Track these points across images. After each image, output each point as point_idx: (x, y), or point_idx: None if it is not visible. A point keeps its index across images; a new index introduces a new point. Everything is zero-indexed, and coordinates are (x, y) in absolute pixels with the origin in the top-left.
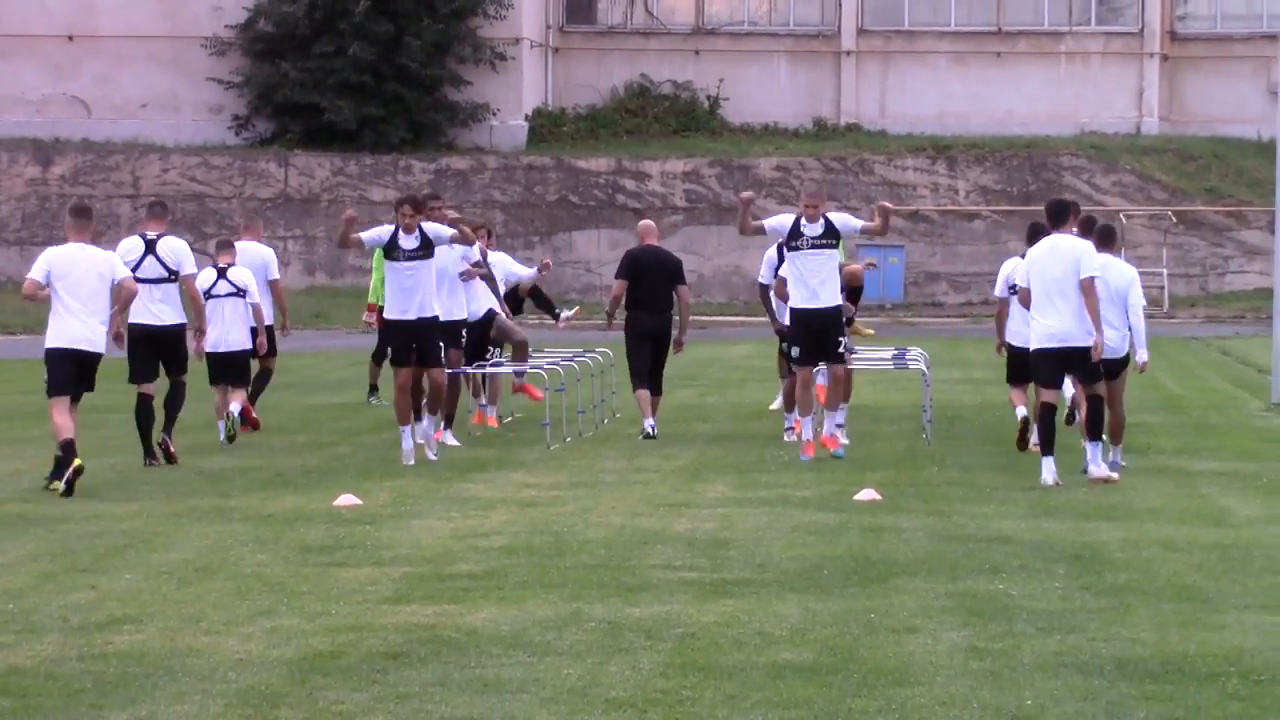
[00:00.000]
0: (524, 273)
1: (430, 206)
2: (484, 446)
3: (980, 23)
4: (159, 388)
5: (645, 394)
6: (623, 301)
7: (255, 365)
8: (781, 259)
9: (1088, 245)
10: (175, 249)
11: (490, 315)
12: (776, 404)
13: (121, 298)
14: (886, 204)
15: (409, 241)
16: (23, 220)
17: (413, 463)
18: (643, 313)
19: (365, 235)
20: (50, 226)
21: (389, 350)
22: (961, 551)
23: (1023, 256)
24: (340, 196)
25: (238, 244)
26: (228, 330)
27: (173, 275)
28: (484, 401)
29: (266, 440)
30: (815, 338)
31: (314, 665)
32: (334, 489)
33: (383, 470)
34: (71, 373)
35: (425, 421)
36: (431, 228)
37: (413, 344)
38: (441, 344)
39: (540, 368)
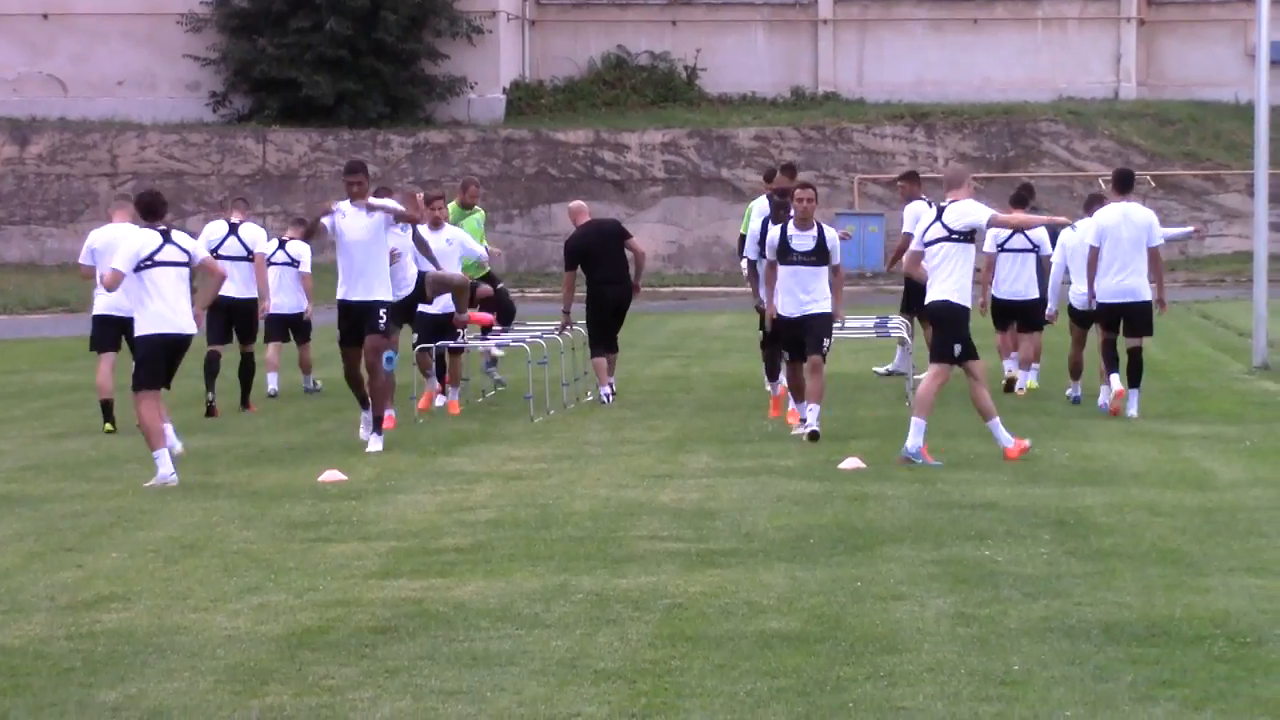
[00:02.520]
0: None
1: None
2: (468, 420)
3: None
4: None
5: (603, 362)
6: (574, 290)
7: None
8: (764, 234)
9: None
10: (255, 234)
11: (419, 281)
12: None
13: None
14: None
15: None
16: (0, 199)
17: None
18: (608, 286)
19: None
20: (28, 206)
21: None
22: (947, 518)
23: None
24: (319, 172)
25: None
26: (280, 293)
27: (250, 255)
28: (440, 387)
29: (250, 418)
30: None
31: (302, 641)
32: (319, 465)
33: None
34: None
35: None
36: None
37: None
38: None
39: (522, 341)
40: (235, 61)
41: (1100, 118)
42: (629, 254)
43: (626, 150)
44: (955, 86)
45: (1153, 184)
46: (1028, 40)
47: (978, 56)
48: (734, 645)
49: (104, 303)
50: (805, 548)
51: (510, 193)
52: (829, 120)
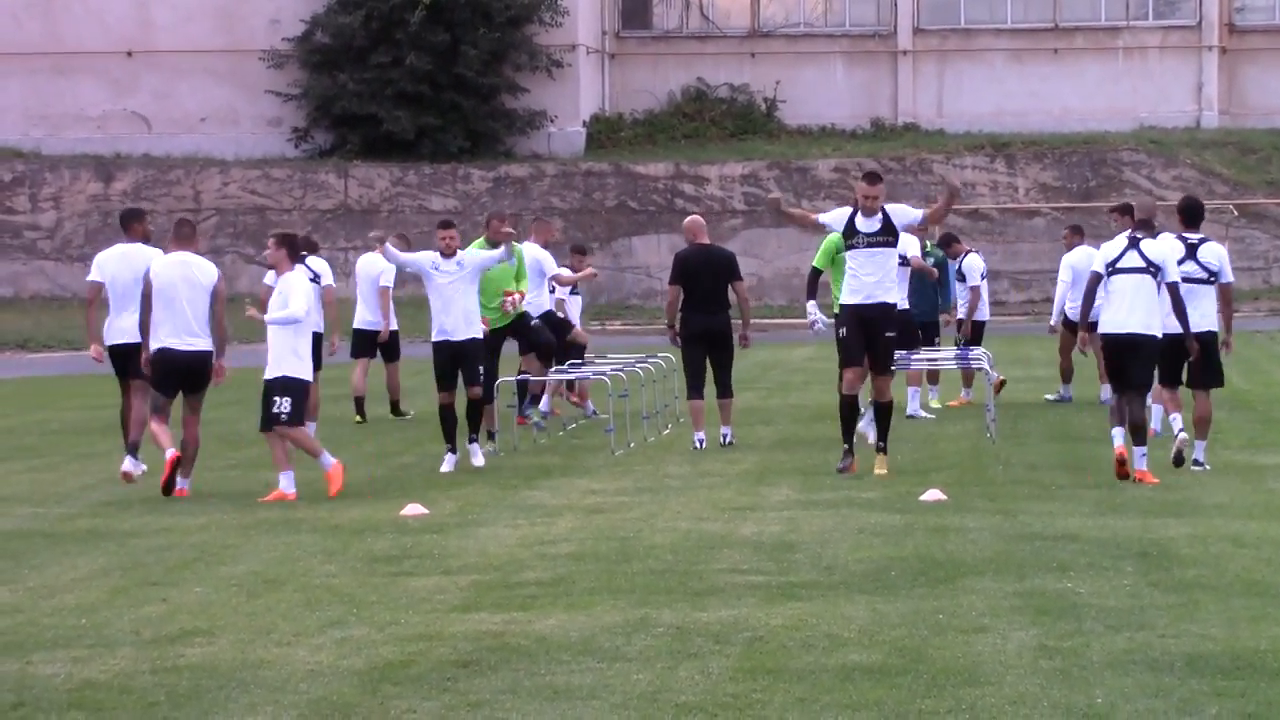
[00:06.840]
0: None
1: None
2: (549, 454)
3: (1037, 19)
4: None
5: (699, 404)
6: (677, 307)
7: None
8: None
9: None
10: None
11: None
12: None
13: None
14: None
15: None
16: (86, 236)
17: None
18: (695, 314)
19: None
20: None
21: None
22: (1029, 550)
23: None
24: (400, 206)
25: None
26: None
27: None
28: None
29: (332, 451)
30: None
31: (385, 675)
32: (400, 499)
33: (448, 479)
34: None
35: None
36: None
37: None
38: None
39: (603, 373)
40: (316, 97)
41: (1182, 147)
42: (733, 295)
43: (706, 182)
44: (1035, 116)
45: (1235, 213)
46: (1108, 70)
47: (1058, 86)
48: (815, 678)
49: (359, 319)
50: (886, 580)
51: (590, 226)
52: (909, 151)
